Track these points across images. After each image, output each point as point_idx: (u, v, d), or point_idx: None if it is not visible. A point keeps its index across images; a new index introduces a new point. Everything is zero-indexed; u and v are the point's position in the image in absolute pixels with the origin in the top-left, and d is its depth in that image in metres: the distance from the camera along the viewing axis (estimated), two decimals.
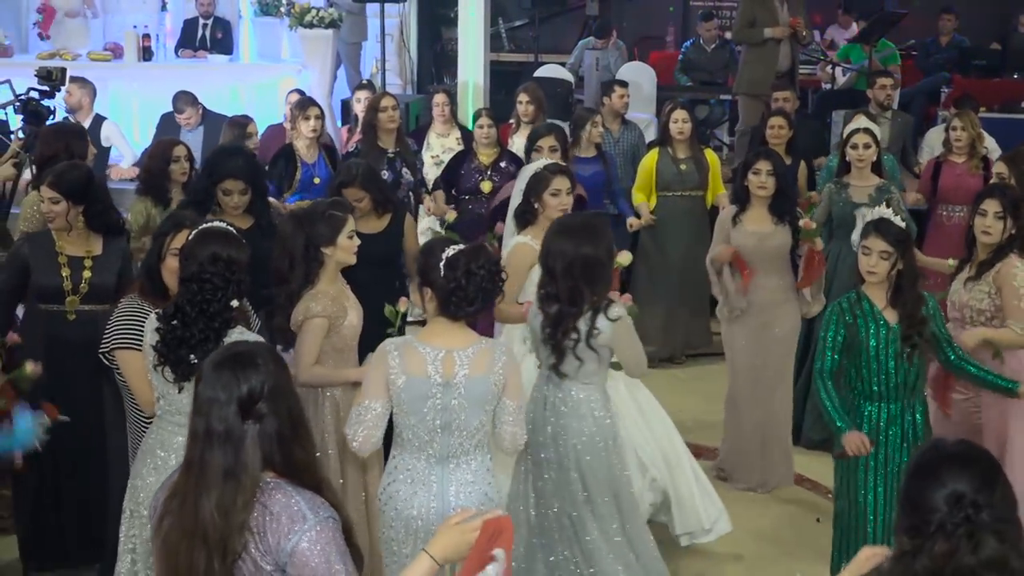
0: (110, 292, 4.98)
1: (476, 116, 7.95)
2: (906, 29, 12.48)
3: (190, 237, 4.06)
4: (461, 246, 3.88)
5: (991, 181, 6.58)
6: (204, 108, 9.15)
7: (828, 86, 11.81)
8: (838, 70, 11.81)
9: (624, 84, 8.83)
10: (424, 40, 13.39)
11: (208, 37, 11.39)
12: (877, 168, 6.90)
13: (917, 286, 4.75)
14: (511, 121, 8.73)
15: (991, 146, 8.00)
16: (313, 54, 10.91)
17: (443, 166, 7.97)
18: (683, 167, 7.90)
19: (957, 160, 7.67)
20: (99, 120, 8.84)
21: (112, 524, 4.51)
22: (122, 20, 11.50)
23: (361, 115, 8.43)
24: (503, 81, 11.90)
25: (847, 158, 6.88)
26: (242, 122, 7.76)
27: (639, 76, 10.95)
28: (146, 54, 10.91)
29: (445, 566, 2.98)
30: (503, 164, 7.64)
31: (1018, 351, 5.05)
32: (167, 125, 9.10)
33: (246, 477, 2.69)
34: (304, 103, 7.65)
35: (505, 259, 5.12)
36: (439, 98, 8.69)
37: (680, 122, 7.88)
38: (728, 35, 11.80)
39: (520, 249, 5.22)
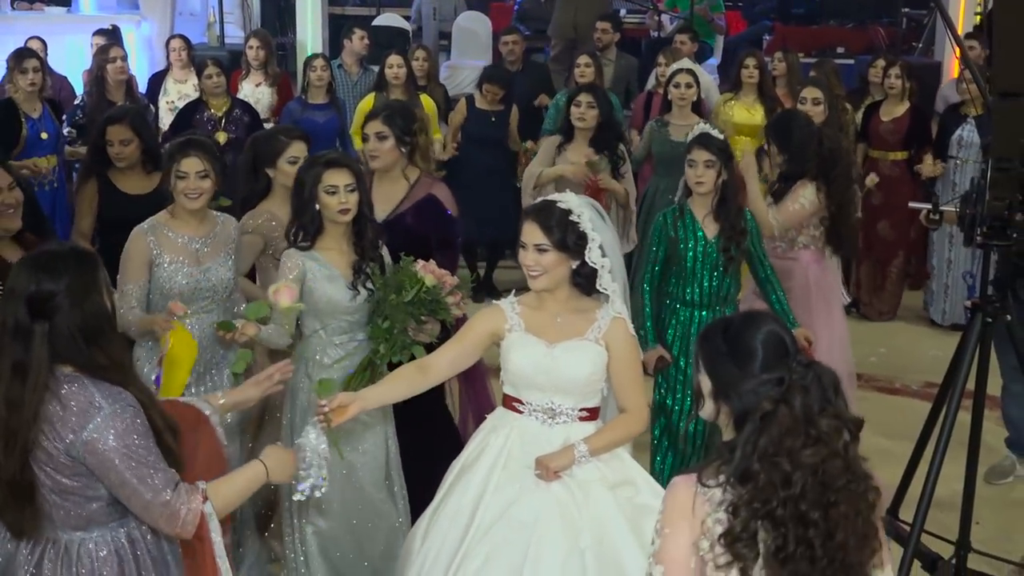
0: None
1: (203, 66, 7.79)
2: None
3: None
4: None
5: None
6: None
7: (656, 34, 12.24)
8: (665, 18, 12.25)
9: (364, 28, 8.90)
10: None
11: None
12: (697, 108, 7.43)
13: (739, 199, 5.15)
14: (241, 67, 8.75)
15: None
16: (151, 5, 10.90)
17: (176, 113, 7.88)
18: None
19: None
20: None
21: None
22: None
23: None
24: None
25: (669, 97, 7.38)
26: None
27: (475, 25, 11.29)
28: None
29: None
30: (236, 113, 7.62)
31: (825, 271, 5.68)
32: None
33: (34, 372, 2.78)
34: (21, 55, 7.11)
35: None
36: (175, 43, 8.64)
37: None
38: None
39: None
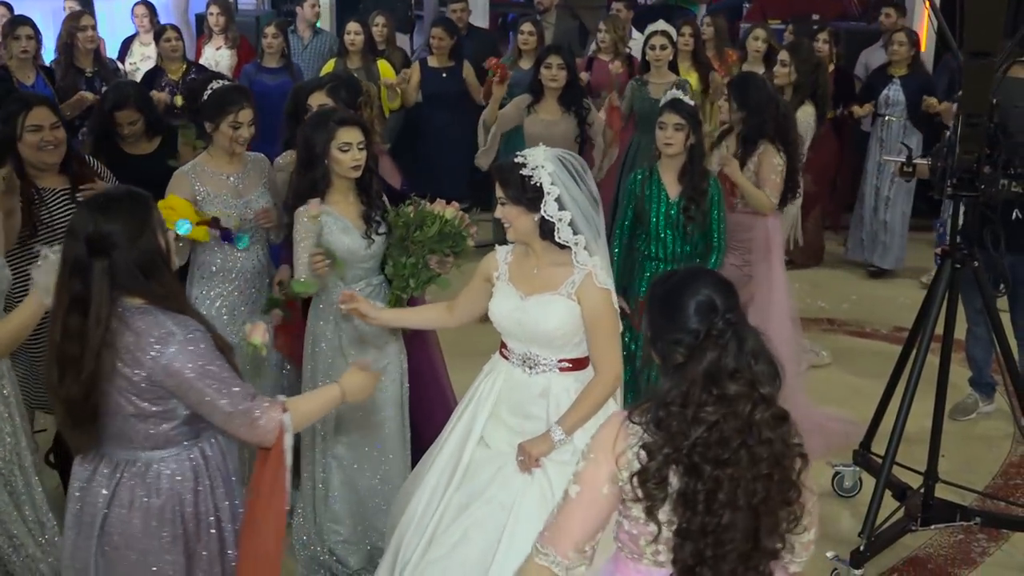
0: None
1: (163, 31, 8.11)
2: None
3: None
4: None
5: None
6: None
7: (644, 2, 12.44)
8: None
9: None
10: None
11: None
12: (673, 66, 7.71)
13: (705, 162, 5.41)
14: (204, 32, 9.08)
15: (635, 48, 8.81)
16: None
17: (139, 74, 8.15)
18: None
19: (604, 58, 8.61)
20: None
21: None
22: None
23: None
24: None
25: (647, 58, 7.66)
26: None
27: None
28: None
29: None
30: (193, 77, 7.65)
31: (777, 222, 5.90)
32: None
33: (95, 305, 2.96)
34: (15, 22, 7.16)
35: None
36: (139, 10, 8.95)
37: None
38: None
39: None
